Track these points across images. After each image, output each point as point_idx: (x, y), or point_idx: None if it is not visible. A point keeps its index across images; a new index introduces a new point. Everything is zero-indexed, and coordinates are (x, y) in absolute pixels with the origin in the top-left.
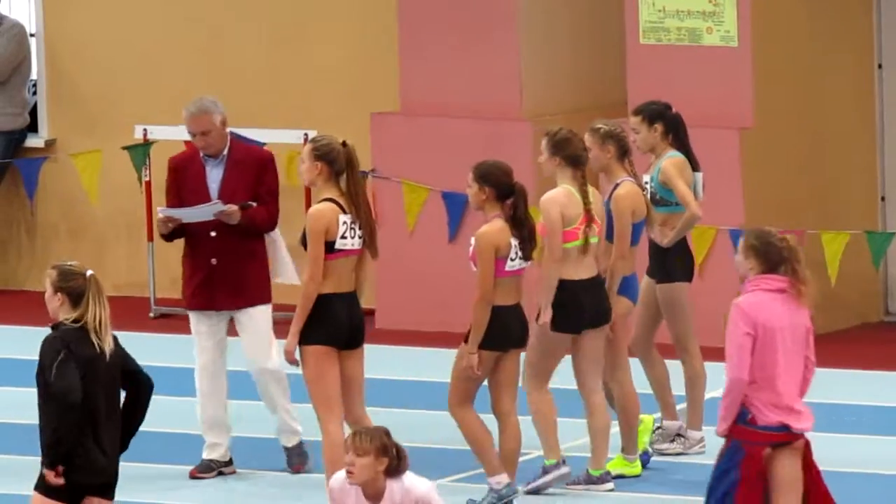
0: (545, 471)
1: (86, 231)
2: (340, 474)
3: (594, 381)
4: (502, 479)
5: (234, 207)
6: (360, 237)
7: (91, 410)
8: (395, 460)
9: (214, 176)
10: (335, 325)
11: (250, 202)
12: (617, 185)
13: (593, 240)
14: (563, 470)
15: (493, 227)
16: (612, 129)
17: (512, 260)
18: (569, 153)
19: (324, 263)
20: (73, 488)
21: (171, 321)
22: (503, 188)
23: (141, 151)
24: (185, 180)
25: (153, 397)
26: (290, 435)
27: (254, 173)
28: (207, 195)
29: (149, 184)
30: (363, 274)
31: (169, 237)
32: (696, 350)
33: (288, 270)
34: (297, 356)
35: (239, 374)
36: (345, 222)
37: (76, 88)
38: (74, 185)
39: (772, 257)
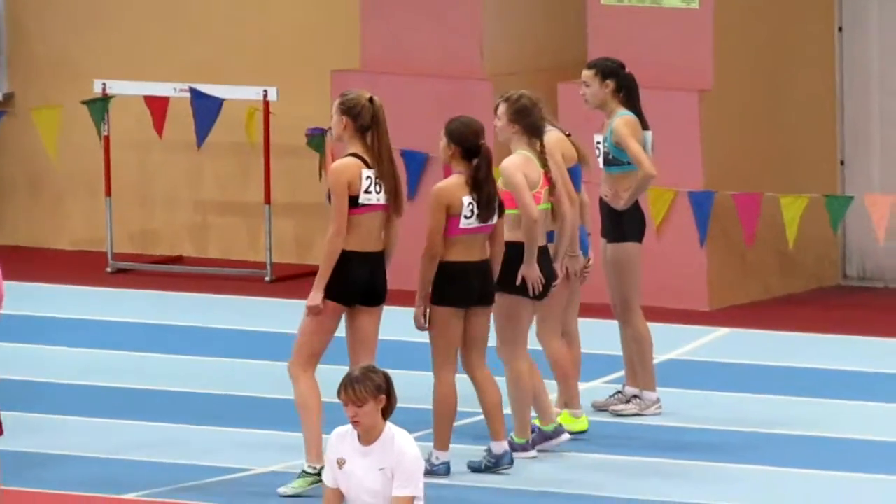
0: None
1: (44, 186)
2: (342, 428)
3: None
4: (502, 444)
5: None
6: (385, 193)
7: None
8: (390, 396)
9: None
10: (346, 283)
11: None
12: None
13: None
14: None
15: (448, 182)
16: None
17: (467, 217)
18: (529, 122)
19: (349, 218)
20: None
21: (129, 276)
22: (470, 147)
23: (100, 106)
24: None
25: (124, 352)
26: None
27: None
28: None
29: (108, 139)
30: (392, 234)
31: None
32: (640, 311)
33: None
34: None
35: None
36: (368, 177)
37: (35, 42)
38: (33, 139)
39: None
